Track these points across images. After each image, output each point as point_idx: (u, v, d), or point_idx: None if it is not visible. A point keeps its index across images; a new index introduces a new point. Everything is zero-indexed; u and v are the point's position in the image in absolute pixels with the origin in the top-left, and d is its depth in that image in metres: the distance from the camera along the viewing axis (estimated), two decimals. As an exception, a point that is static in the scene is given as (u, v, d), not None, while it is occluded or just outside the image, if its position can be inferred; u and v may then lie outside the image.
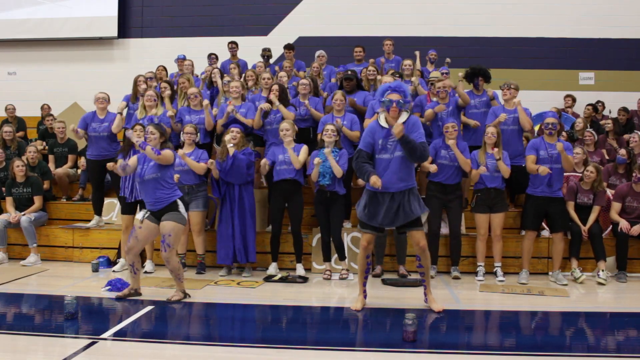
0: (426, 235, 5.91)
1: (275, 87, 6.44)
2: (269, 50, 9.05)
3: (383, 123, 4.45)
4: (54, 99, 10.33)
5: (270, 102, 6.32)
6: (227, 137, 5.92)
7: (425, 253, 4.54)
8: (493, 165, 5.78)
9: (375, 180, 4.29)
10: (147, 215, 4.79)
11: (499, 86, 6.44)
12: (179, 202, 4.79)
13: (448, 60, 8.65)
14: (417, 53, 8.69)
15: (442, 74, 7.44)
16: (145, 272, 6.02)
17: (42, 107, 9.95)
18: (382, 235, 5.39)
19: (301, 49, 9.59)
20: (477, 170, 5.80)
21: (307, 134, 6.61)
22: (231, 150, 5.85)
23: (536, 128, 7.95)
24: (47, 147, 8.23)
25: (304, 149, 5.91)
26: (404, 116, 4.41)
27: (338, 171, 5.62)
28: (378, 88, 4.80)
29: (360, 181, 5.70)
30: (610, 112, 9.47)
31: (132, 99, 7.26)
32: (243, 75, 7.88)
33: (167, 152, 4.76)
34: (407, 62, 7.62)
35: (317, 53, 8.55)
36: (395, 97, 4.33)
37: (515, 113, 6.25)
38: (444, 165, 5.79)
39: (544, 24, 10.61)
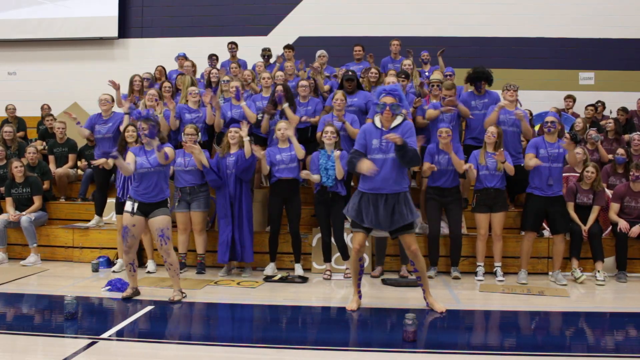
0: (427, 238, 5.96)
1: (280, 87, 6.43)
2: (269, 50, 9.06)
3: (377, 124, 4.45)
4: (54, 99, 10.32)
5: (274, 103, 6.34)
6: (229, 136, 5.93)
7: (418, 257, 4.51)
8: (493, 165, 5.77)
9: (369, 166, 4.25)
10: (136, 207, 4.78)
11: (502, 87, 6.42)
12: (168, 200, 4.98)
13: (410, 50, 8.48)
14: (410, 52, 8.59)
15: (446, 76, 7.39)
16: (148, 272, 6.03)
17: (42, 107, 9.95)
18: (379, 236, 5.40)
19: (301, 49, 9.59)
20: (470, 169, 5.73)
21: (306, 134, 6.61)
22: (234, 148, 5.85)
23: (536, 128, 7.94)
24: (47, 147, 8.23)
25: (302, 147, 5.94)
26: (397, 120, 4.41)
27: (340, 172, 5.64)
28: (376, 89, 4.78)
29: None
30: (611, 112, 9.48)
31: (128, 97, 7.27)
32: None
33: (171, 151, 4.88)
34: (407, 62, 7.62)
35: (318, 53, 8.53)
36: (389, 100, 4.34)
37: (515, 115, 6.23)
38: (440, 170, 5.78)
39: (544, 24, 10.61)
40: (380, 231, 4.52)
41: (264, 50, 9.03)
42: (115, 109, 6.72)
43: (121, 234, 4.97)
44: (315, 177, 5.71)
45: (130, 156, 4.84)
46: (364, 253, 4.86)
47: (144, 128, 4.77)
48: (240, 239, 5.86)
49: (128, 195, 4.91)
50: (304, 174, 5.74)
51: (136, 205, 4.79)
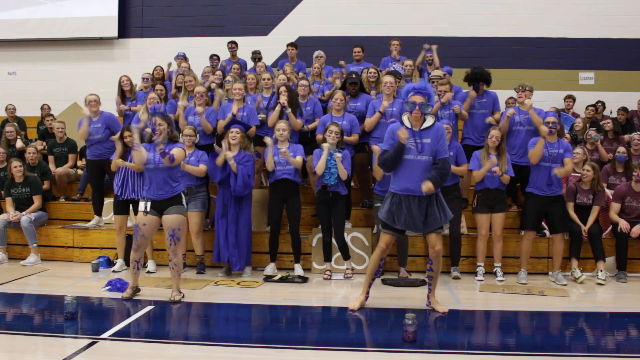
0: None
1: (284, 88, 6.40)
2: (258, 52, 9.05)
3: (406, 123, 4.36)
4: (54, 99, 10.34)
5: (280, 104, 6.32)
6: (228, 137, 5.90)
7: (439, 258, 4.50)
8: (494, 166, 5.76)
9: (401, 133, 4.20)
10: (149, 206, 4.76)
11: (513, 88, 6.40)
12: (182, 195, 4.90)
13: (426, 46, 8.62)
14: (435, 47, 8.57)
15: (445, 74, 7.41)
16: (148, 272, 6.03)
17: (42, 107, 9.95)
18: (403, 237, 5.36)
19: (301, 49, 9.59)
20: (479, 171, 5.76)
21: (306, 135, 6.60)
22: (229, 155, 5.77)
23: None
24: (46, 147, 8.23)
25: (302, 150, 5.91)
26: (429, 121, 4.35)
27: (344, 174, 5.64)
28: (403, 87, 4.73)
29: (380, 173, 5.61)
30: (611, 112, 9.49)
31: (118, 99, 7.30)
32: (244, 76, 7.86)
33: (179, 152, 4.79)
34: (408, 62, 7.61)
35: (316, 54, 8.52)
36: (418, 99, 4.26)
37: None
38: None
39: (544, 24, 10.61)
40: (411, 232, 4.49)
41: (254, 53, 9.02)
42: (101, 108, 6.75)
43: (132, 233, 4.95)
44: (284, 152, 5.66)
45: (142, 149, 4.80)
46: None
47: (160, 123, 4.76)
48: (235, 245, 5.80)
49: (142, 196, 4.89)
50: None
51: (149, 204, 4.78)
